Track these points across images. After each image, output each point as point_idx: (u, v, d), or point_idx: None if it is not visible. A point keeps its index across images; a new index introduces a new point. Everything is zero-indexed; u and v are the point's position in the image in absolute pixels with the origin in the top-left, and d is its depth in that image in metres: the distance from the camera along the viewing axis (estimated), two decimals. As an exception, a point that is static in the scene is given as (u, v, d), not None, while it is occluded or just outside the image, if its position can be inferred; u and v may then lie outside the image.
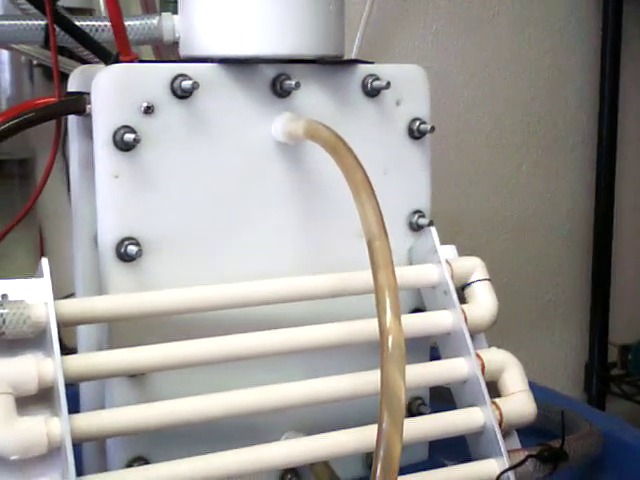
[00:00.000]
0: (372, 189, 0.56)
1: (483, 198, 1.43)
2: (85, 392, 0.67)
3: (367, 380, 0.62)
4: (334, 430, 0.61)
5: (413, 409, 0.73)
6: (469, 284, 0.70)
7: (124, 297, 0.59)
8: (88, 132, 0.62)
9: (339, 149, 0.59)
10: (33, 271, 0.58)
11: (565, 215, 1.51)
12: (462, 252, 0.71)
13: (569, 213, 1.51)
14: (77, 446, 0.62)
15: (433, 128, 0.71)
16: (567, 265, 1.52)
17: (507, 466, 0.62)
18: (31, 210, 1.02)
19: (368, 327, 0.63)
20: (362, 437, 0.61)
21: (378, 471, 0.49)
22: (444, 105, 1.36)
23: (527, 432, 0.69)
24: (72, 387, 0.62)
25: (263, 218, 0.65)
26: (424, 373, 0.66)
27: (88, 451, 0.66)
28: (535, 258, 1.49)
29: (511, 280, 1.47)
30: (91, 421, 0.55)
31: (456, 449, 0.67)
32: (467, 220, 1.40)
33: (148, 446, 0.62)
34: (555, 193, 1.49)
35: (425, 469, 0.63)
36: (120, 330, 0.60)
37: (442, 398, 0.71)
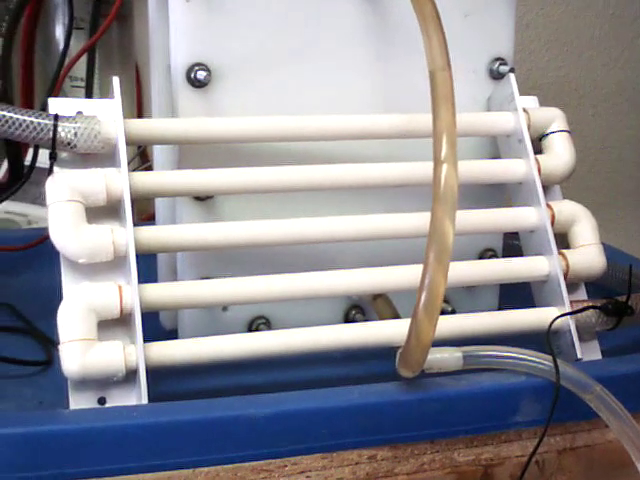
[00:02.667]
0: (440, 21, 0.55)
1: (593, 69, 1.37)
2: (160, 216, 0.69)
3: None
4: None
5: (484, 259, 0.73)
6: (546, 135, 0.68)
7: (189, 120, 0.60)
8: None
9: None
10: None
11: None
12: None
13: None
14: (151, 266, 0.66)
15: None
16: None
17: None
18: (128, 52, 1.04)
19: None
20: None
21: (421, 302, 0.50)
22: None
23: (597, 293, 0.68)
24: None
25: (336, 52, 0.65)
26: (491, 218, 0.65)
27: (162, 271, 0.69)
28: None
29: (616, 158, 1.42)
30: (155, 233, 0.57)
31: (526, 305, 0.67)
32: (574, 91, 1.35)
33: (216, 268, 0.64)
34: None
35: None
36: (188, 155, 0.62)
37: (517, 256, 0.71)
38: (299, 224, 0.60)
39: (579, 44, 1.36)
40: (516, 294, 0.68)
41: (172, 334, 0.65)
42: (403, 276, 0.61)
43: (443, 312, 0.72)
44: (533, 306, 0.65)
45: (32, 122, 0.55)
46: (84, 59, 0.98)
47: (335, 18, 0.64)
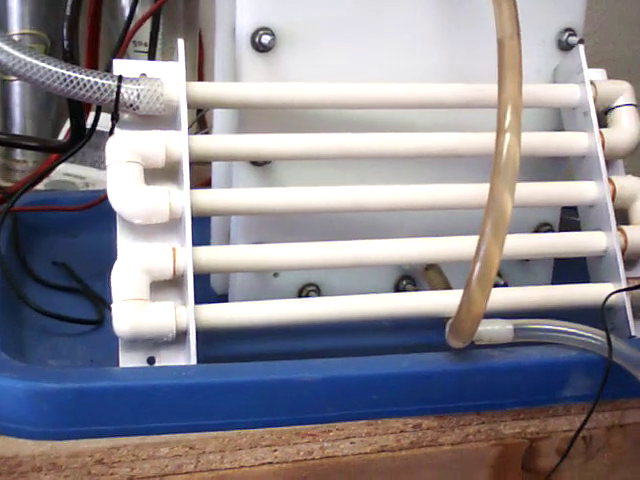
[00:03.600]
0: (511, -12, 0.54)
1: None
2: (216, 180, 0.69)
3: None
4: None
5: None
6: (612, 108, 0.67)
7: (252, 85, 0.60)
8: None
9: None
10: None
11: None
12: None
13: None
14: (205, 229, 0.67)
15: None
16: None
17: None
18: (193, 18, 1.04)
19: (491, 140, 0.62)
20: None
21: (475, 272, 0.50)
22: None
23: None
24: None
25: (403, 21, 0.64)
26: (550, 191, 0.64)
27: (215, 235, 0.69)
28: None
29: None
30: (212, 196, 0.58)
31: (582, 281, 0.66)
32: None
33: (269, 233, 0.64)
34: None
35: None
36: (248, 119, 0.62)
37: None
38: (355, 192, 0.60)
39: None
40: (570, 269, 0.67)
41: (223, 298, 0.66)
42: (456, 247, 0.61)
43: (495, 285, 0.71)
44: (587, 281, 0.64)
45: (96, 82, 0.56)
46: (148, 24, 0.99)
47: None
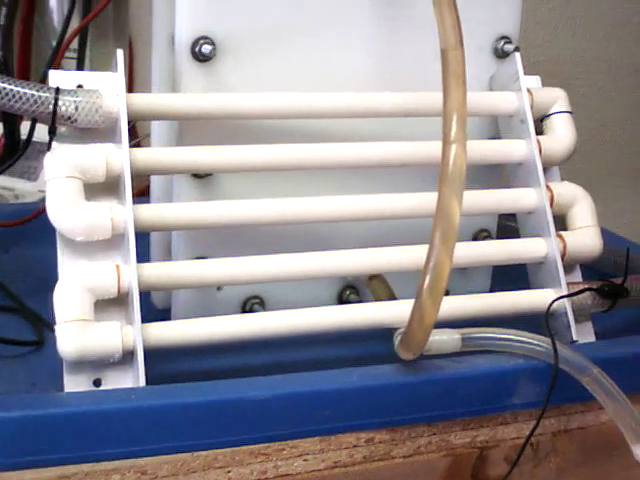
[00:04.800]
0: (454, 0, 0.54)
1: (586, 47, 1.36)
2: (154, 193, 0.68)
3: (428, 200, 0.62)
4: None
5: (478, 240, 0.73)
6: (548, 115, 0.68)
7: (194, 96, 0.59)
8: None
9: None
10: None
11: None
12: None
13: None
14: (143, 243, 0.65)
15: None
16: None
17: (565, 296, 0.62)
18: (123, 25, 1.02)
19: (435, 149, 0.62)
20: (420, 255, 0.61)
21: (425, 283, 0.50)
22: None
23: (594, 276, 0.68)
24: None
25: (344, 29, 0.64)
26: (490, 199, 0.65)
27: (155, 250, 0.68)
28: (634, 117, 1.43)
29: (607, 138, 1.42)
30: (154, 211, 0.56)
31: (519, 287, 0.67)
32: (566, 70, 1.35)
33: (211, 247, 0.63)
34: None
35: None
36: (189, 131, 0.61)
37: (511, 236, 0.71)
38: (298, 203, 0.60)
39: (573, 23, 1.35)
40: (509, 275, 0.68)
41: (164, 313, 0.65)
42: (400, 257, 0.61)
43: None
44: (526, 287, 0.65)
45: (32, 95, 0.54)
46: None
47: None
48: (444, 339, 0.55)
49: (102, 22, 0.96)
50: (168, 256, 0.66)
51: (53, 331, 0.51)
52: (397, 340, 0.54)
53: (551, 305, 0.60)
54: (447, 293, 0.69)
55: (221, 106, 0.59)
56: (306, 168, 0.61)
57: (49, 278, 0.53)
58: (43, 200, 0.54)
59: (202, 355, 0.58)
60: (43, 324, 0.63)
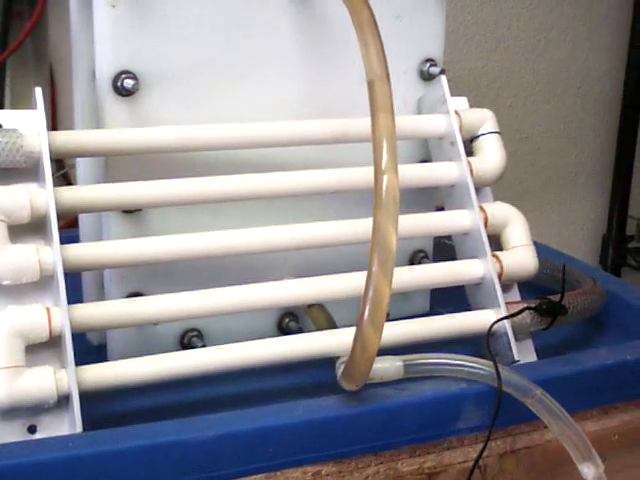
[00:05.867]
0: (377, 29, 0.54)
1: (510, 60, 1.38)
2: (84, 231, 0.66)
3: (362, 226, 0.61)
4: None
5: (415, 262, 0.73)
6: (477, 137, 0.68)
7: (116, 131, 0.58)
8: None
9: (346, -14, 0.56)
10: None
11: (597, 81, 1.46)
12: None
13: (600, 80, 1.46)
14: (74, 279, 0.63)
15: (448, -31, 0.68)
16: (592, 137, 1.49)
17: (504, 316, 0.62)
18: (43, 54, 1.00)
19: (365, 175, 0.62)
20: (357, 282, 0.60)
21: (366, 313, 0.49)
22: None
23: (532, 291, 0.69)
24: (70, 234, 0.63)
25: (265, 58, 0.63)
26: (425, 223, 0.65)
27: (87, 287, 0.66)
28: (560, 127, 1.46)
29: (534, 148, 1.44)
30: (84, 251, 0.55)
31: (458, 305, 0.67)
32: (492, 82, 1.36)
33: (145, 282, 0.62)
34: (586, 57, 1.44)
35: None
36: (116, 166, 0.60)
37: (446, 256, 0.71)
38: (231, 235, 0.59)
39: (496, 35, 1.36)
40: (447, 293, 0.68)
41: (100, 349, 0.63)
42: (337, 286, 0.61)
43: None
44: (464, 305, 0.65)
45: (-52, 137, 0.52)
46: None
47: (265, 25, 0.63)
48: (386, 367, 0.55)
49: (21, 53, 0.94)
50: (101, 292, 0.64)
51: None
52: (339, 371, 0.54)
53: (492, 327, 0.60)
54: (388, 315, 0.70)
55: (146, 140, 0.58)
56: (236, 199, 0.60)
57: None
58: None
59: (140, 392, 0.56)
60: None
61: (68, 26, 0.83)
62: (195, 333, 0.64)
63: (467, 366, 0.56)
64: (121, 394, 0.56)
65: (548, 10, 1.40)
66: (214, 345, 0.56)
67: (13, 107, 0.95)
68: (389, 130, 0.52)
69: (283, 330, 0.68)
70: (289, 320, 0.68)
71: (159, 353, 0.55)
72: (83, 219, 0.66)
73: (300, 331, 0.67)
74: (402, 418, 0.54)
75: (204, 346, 0.63)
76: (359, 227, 0.61)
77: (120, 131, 0.57)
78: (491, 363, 0.56)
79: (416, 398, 0.55)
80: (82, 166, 0.65)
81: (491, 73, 1.37)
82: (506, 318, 0.61)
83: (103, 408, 0.56)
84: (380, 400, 0.54)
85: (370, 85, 0.53)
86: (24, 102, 0.95)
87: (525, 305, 0.63)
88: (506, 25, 1.37)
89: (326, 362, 0.57)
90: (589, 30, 1.44)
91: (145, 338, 0.63)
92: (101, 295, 0.64)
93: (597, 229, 1.53)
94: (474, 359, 0.57)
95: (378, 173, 0.51)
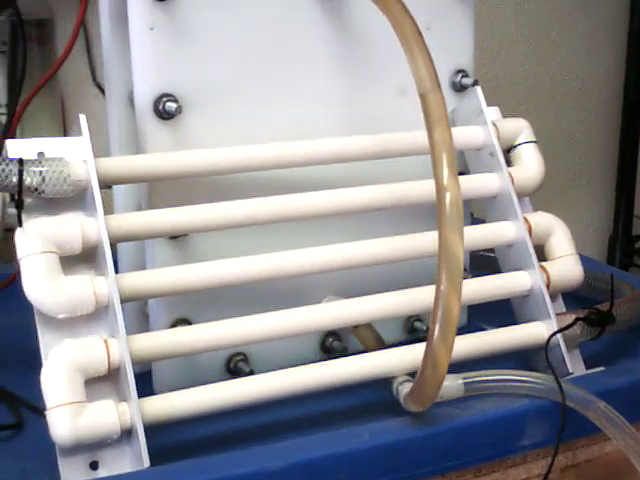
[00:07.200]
0: (423, 40, 0.53)
1: (512, 65, 1.38)
2: (124, 256, 0.65)
3: (407, 244, 0.61)
4: (371, 294, 0.60)
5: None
6: (515, 146, 0.67)
7: (164, 155, 0.56)
8: (119, -18, 0.59)
9: (386, -1, 0.55)
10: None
11: (597, 81, 1.46)
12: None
13: (601, 80, 1.47)
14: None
15: (481, -21, 0.67)
16: (596, 136, 1.49)
17: (555, 328, 0.61)
18: (53, 77, 0.99)
19: (414, 189, 0.62)
20: (404, 300, 0.60)
21: (436, 331, 0.48)
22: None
23: (568, 299, 0.68)
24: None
25: (303, 73, 0.63)
26: (470, 236, 0.63)
27: (130, 314, 0.65)
28: (562, 129, 1.46)
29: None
30: (136, 281, 0.53)
31: (493, 315, 0.66)
32: (495, 88, 1.36)
33: (190, 308, 0.61)
34: (586, 59, 1.44)
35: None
36: (160, 190, 0.59)
37: (484, 267, 0.70)
38: (277, 258, 0.58)
39: (497, 41, 1.36)
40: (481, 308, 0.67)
41: (144, 375, 0.62)
42: (382, 305, 0.60)
43: (417, 330, 0.71)
44: (496, 318, 0.65)
45: (-6, 169, 0.51)
46: (3, 84, 0.93)
47: (304, 43, 0.62)
48: (447, 385, 0.54)
49: (29, 75, 0.92)
50: (144, 319, 0.63)
51: (32, 410, 0.47)
52: (403, 392, 0.53)
53: (549, 340, 0.59)
54: (427, 330, 0.69)
55: (193, 164, 0.57)
56: (280, 220, 0.59)
57: (17, 348, 0.50)
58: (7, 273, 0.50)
59: (195, 421, 0.55)
60: (20, 403, 0.59)
61: (76, 48, 0.82)
62: (241, 357, 0.63)
63: (528, 382, 0.56)
64: (175, 425, 0.55)
65: (547, 14, 1.40)
66: (259, 367, 0.56)
67: (24, 130, 0.94)
68: (447, 143, 0.51)
69: (327, 349, 0.67)
70: (332, 339, 0.67)
71: (206, 379, 0.55)
72: (123, 246, 0.65)
73: (344, 350, 0.66)
74: (468, 438, 0.54)
75: (251, 370, 0.62)
76: (407, 243, 0.60)
77: (166, 155, 0.56)
78: (550, 377, 0.56)
79: (481, 417, 0.54)
80: (120, 192, 0.64)
81: (493, 79, 1.37)
82: (562, 330, 0.60)
83: (160, 439, 0.54)
84: (445, 421, 0.53)
85: (423, 98, 0.52)
86: (36, 125, 0.94)
87: (576, 316, 0.62)
88: (506, 31, 1.37)
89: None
90: (588, 32, 1.44)
91: (192, 364, 0.61)
92: (142, 322, 0.63)
93: (603, 230, 1.53)
94: (533, 374, 0.56)
95: (440, 188, 0.50)
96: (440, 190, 0.50)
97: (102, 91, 1.02)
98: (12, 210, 0.84)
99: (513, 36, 1.38)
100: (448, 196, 0.49)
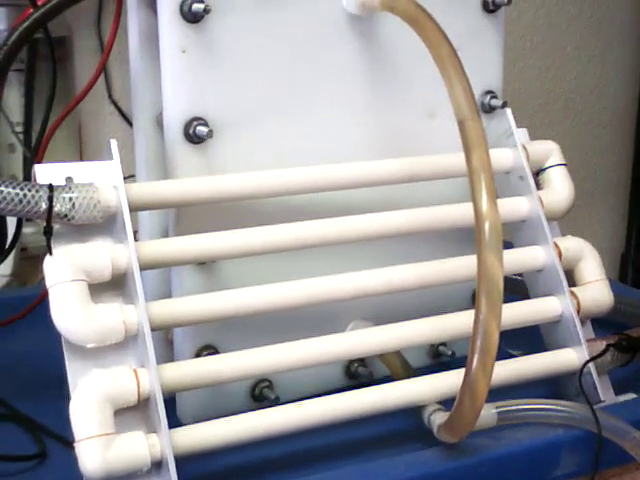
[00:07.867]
0: (461, 64, 0.53)
1: (526, 80, 1.37)
2: (149, 282, 0.64)
3: (439, 269, 0.60)
4: (398, 319, 0.59)
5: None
6: (544, 169, 0.67)
7: (196, 181, 0.56)
8: (150, 2, 0.58)
9: (421, 20, 0.54)
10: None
11: (611, 97, 1.46)
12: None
13: (615, 95, 1.46)
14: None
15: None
16: (608, 153, 1.48)
17: (586, 355, 0.60)
18: (69, 96, 0.98)
19: (447, 213, 0.61)
20: (431, 327, 0.59)
21: (475, 360, 0.47)
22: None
23: (595, 323, 0.67)
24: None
25: (333, 96, 0.62)
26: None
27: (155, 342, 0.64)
28: (576, 145, 1.45)
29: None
30: (166, 309, 0.53)
31: (516, 339, 0.65)
32: (509, 104, 1.35)
33: (217, 335, 0.60)
34: (600, 75, 1.44)
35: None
36: (188, 216, 0.58)
37: (510, 291, 0.69)
38: (311, 285, 0.57)
39: (511, 57, 1.36)
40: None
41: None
42: (410, 333, 0.59)
43: (441, 354, 0.70)
44: (517, 343, 0.64)
45: (24, 195, 0.50)
46: (19, 102, 0.92)
47: (335, 65, 0.62)
48: (482, 415, 0.53)
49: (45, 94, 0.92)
50: (167, 346, 0.62)
51: (58, 440, 0.46)
52: (437, 422, 0.52)
53: (583, 368, 0.58)
54: (454, 354, 0.69)
55: (225, 189, 0.56)
56: (309, 246, 0.58)
57: (40, 376, 0.49)
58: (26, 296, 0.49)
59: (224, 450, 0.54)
60: (42, 432, 0.58)
61: (92, 67, 0.82)
62: (266, 384, 0.62)
63: (562, 411, 0.55)
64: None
65: (561, 29, 1.39)
66: (284, 393, 0.56)
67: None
68: (486, 169, 0.50)
69: (352, 375, 0.66)
70: (358, 365, 0.66)
71: (231, 405, 0.55)
72: (147, 272, 0.64)
73: (370, 376, 0.65)
74: (504, 468, 0.53)
75: (277, 397, 0.61)
76: (440, 268, 0.60)
77: (197, 180, 0.56)
78: (584, 406, 0.55)
79: (517, 447, 0.53)
80: (145, 216, 0.63)
81: (507, 95, 1.36)
82: (595, 358, 0.59)
83: (189, 469, 0.53)
84: (482, 451, 0.52)
85: (461, 125, 0.51)
86: (53, 144, 0.93)
87: (607, 343, 0.61)
88: (520, 46, 1.37)
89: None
90: (602, 47, 1.43)
91: (217, 391, 0.60)
92: (165, 349, 0.62)
93: (616, 248, 1.52)
94: (567, 403, 0.56)
95: (479, 214, 0.49)
96: (479, 216, 0.49)
97: (118, 108, 1.03)
98: (27, 230, 0.85)
99: (527, 52, 1.37)
100: (487, 223, 0.49)
